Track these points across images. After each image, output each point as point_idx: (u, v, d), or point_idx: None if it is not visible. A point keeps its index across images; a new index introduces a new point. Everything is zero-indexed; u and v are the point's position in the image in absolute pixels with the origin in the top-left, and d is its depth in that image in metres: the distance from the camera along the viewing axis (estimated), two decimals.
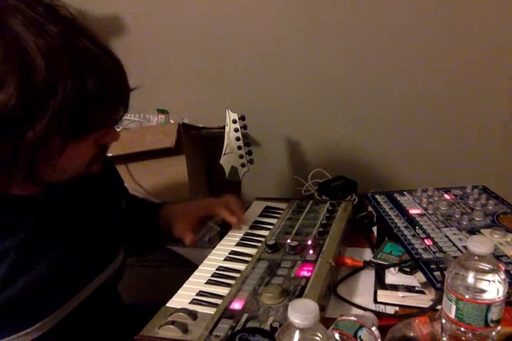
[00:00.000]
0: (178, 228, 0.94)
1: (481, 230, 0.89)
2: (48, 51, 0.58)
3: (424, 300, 0.79)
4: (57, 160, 0.65)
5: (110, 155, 1.15)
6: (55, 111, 0.58)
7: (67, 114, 0.60)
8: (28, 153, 0.60)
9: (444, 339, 0.63)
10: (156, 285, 1.22)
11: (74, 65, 0.60)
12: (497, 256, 0.79)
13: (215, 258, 0.87)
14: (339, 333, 0.63)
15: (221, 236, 0.98)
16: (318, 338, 0.50)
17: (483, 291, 0.59)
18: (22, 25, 0.58)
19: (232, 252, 0.89)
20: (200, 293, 0.76)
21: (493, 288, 0.58)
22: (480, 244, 0.59)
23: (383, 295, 0.83)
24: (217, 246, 0.92)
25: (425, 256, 0.82)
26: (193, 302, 0.74)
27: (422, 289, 0.82)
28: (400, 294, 0.82)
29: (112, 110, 0.68)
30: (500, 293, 0.59)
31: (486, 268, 0.59)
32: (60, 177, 0.68)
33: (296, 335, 0.49)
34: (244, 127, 1.09)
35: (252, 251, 0.88)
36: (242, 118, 1.09)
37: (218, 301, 0.73)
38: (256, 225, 0.99)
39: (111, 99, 0.66)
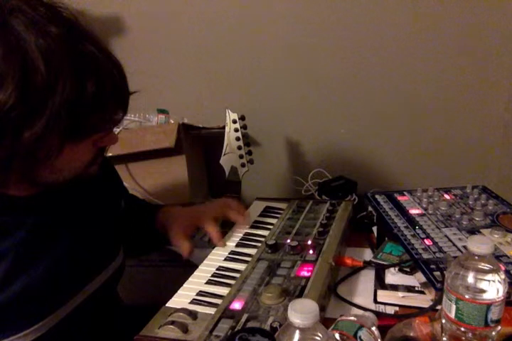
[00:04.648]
0: (173, 234, 0.93)
1: (481, 230, 0.89)
2: (48, 52, 0.58)
3: (424, 300, 0.79)
4: (54, 161, 0.64)
5: (110, 155, 1.15)
6: (54, 112, 0.58)
7: (66, 115, 0.59)
8: (24, 153, 0.60)
9: (444, 339, 0.63)
10: (156, 285, 1.22)
11: (74, 66, 0.59)
12: (497, 256, 0.79)
13: (215, 258, 0.87)
14: (339, 333, 0.63)
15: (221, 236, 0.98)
16: (318, 338, 0.50)
17: (483, 291, 0.59)
18: (23, 25, 0.58)
19: (232, 252, 0.89)
20: (200, 293, 0.76)
21: (493, 288, 0.58)
22: (480, 244, 0.59)
23: (383, 295, 0.83)
24: (217, 246, 0.92)
25: (425, 256, 0.82)
26: (193, 302, 0.74)
27: (422, 289, 0.82)
28: (400, 294, 0.82)
29: (111, 113, 0.68)
30: (500, 293, 0.59)
31: (486, 268, 0.59)
32: (56, 179, 0.68)
33: (296, 335, 0.49)
34: (244, 127, 1.09)
35: (252, 251, 0.88)
36: (242, 118, 1.09)
37: (218, 301, 0.73)
38: (256, 225, 0.99)
39: (110, 102, 0.66)
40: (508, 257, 0.79)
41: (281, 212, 1.05)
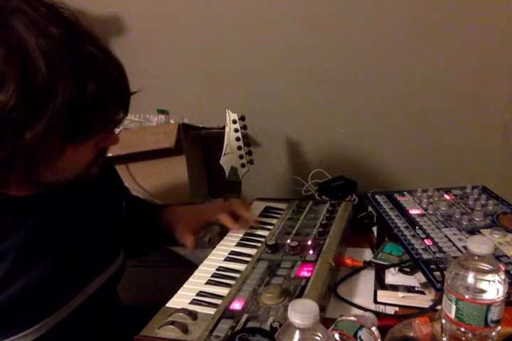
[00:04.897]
0: (179, 231, 0.94)
1: (481, 230, 0.89)
2: (49, 52, 0.58)
3: (424, 301, 0.79)
4: (55, 162, 0.64)
5: (110, 155, 1.15)
6: (55, 112, 0.58)
7: (67, 116, 0.59)
8: (25, 154, 0.60)
9: (444, 339, 0.63)
10: (156, 285, 1.22)
11: (75, 67, 0.59)
12: (497, 256, 0.79)
13: (215, 258, 0.87)
14: (339, 333, 0.63)
15: (221, 236, 0.98)
16: (318, 338, 0.50)
17: (483, 291, 0.59)
18: (24, 25, 0.58)
19: (232, 252, 0.89)
20: (200, 293, 0.76)
21: (493, 288, 0.58)
22: (480, 244, 0.59)
23: (383, 296, 0.83)
24: (217, 246, 0.92)
25: (425, 256, 0.82)
26: (193, 302, 0.74)
27: (422, 289, 0.82)
28: (400, 294, 0.82)
29: (112, 113, 0.68)
30: (500, 293, 0.59)
31: (486, 268, 0.59)
32: (58, 179, 0.68)
33: (296, 335, 0.49)
34: (244, 127, 1.09)
35: (252, 251, 0.88)
36: (242, 118, 1.09)
37: (218, 301, 0.73)
38: (256, 225, 0.99)
39: (111, 102, 0.66)
40: (508, 257, 0.79)
41: (281, 212, 1.05)
